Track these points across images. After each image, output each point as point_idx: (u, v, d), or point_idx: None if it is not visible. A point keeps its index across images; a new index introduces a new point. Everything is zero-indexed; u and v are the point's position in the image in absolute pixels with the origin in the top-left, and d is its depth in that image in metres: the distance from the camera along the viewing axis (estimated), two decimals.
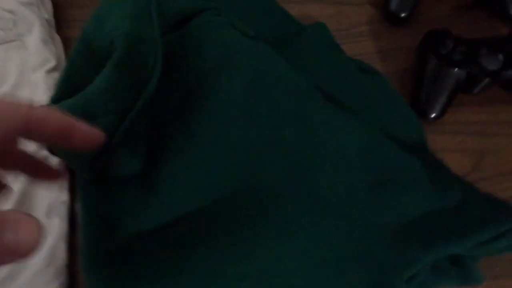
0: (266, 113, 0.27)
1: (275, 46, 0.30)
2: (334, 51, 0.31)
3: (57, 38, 0.37)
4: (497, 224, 0.23)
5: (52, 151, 0.28)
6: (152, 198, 0.27)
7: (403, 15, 0.37)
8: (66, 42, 0.37)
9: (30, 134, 0.18)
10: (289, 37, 0.31)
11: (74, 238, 0.32)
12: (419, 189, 0.25)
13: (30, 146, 0.31)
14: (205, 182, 0.26)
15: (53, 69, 0.34)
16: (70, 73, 0.27)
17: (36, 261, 0.29)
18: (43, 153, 0.30)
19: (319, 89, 0.28)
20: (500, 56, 0.32)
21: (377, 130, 0.27)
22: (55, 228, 0.30)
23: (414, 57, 0.37)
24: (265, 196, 0.25)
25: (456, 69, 0.32)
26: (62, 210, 0.31)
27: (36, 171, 0.23)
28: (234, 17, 0.28)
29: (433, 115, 0.34)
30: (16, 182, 0.31)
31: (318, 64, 0.30)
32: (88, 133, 0.20)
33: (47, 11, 0.37)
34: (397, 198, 0.25)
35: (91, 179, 0.28)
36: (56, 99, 0.28)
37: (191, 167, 0.27)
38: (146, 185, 0.27)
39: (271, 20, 0.32)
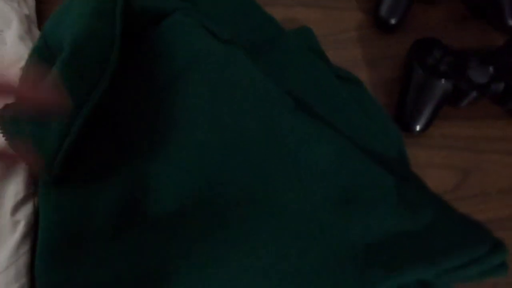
0: (231, 120, 0.26)
1: (252, 50, 0.29)
2: (311, 57, 0.30)
3: (38, 34, 0.36)
4: (469, 249, 0.22)
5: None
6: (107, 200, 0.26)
7: (393, 21, 0.36)
8: None
9: None
10: (267, 42, 0.30)
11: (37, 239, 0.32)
12: (387, 207, 0.24)
13: None
14: (166, 189, 0.26)
15: None
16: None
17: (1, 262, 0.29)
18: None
19: (291, 96, 0.27)
20: (490, 69, 0.31)
21: (350, 142, 0.26)
22: (19, 228, 0.30)
23: (402, 67, 0.36)
24: (226, 206, 0.24)
25: (443, 80, 0.31)
26: (28, 209, 0.31)
27: None
28: (207, 18, 0.27)
29: (417, 128, 0.32)
30: None
31: (293, 70, 0.29)
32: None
33: (28, 7, 0.36)
34: (362, 215, 0.24)
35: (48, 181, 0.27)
36: None
37: (153, 172, 0.26)
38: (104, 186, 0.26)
39: (250, 23, 0.31)
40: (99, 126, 0.26)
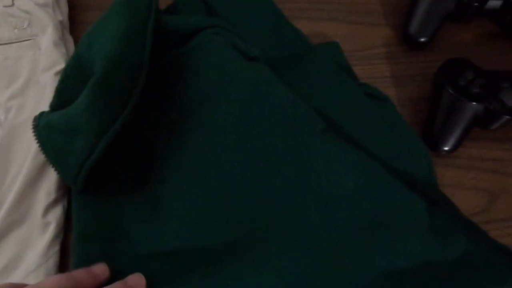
0: (258, 143, 0.26)
1: (280, 65, 0.29)
2: (340, 74, 0.30)
3: (70, 40, 0.37)
4: (497, 284, 0.21)
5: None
6: (139, 227, 0.26)
7: (422, 39, 0.36)
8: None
9: None
10: (296, 57, 0.30)
11: (68, 240, 0.33)
12: (417, 233, 0.24)
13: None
14: (192, 211, 0.26)
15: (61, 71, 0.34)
16: (64, 86, 0.28)
17: (28, 262, 0.29)
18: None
19: (319, 115, 0.27)
20: None
21: (379, 164, 0.25)
22: (50, 229, 0.30)
23: (430, 86, 0.35)
24: (250, 229, 0.24)
25: (474, 103, 0.31)
26: (58, 210, 0.31)
27: None
28: (235, 36, 0.28)
29: (446, 148, 0.32)
30: (15, 182, 0.32)
31: (321, 87, 0.29)
32: None
33: (62, 13, 0.37)
34: (391, 243, 0.24)
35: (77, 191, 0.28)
36: (53, 107, 0.28)
37: (179, 194, 0.26)
38: (140, 210, 0.27)
39: (279, 37, 0.31)
40: (125, 145, 0.27)
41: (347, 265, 0.23)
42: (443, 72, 0.33)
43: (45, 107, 0.33)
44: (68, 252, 0.32)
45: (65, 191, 0.32)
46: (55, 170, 0.27)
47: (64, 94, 0.26)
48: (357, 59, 0.36)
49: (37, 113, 0.34)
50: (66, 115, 0.24)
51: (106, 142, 0.24)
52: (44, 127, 0.26)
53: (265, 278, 0.23)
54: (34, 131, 0.27)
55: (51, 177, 0.32)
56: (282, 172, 0.25)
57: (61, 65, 0.34)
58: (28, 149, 0.33)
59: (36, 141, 0.27)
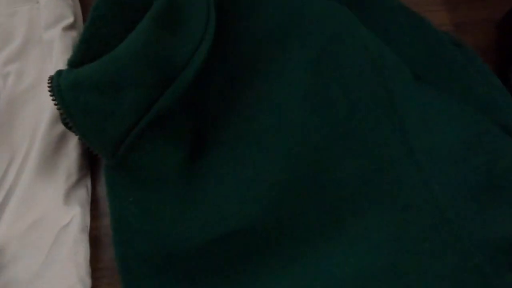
0: (338, 97, 0.22)
1: (350, 6, 0.24)
2: (418, 17, 0.26)
3: None
4: None
5: (70, 127, 0.23)
6: (190, 207, 0.22)
7: None
8: None
9: None
10: None
11: (97, 229, 0.28)
12: None
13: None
14: (252, 191, 0.22)
15: (71, 26, 0.28)
16: (93, 31, 0.21)
17: (57, 258, 0.25)
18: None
19: (406, 64, 0.23)
20: None
21: (482, 116, 0.22)
22: (76, 218, 0.25)
23: (496, 32, 0.32)
24: (335, 200, 0.21)
25: None
26: (82, 195, 0.26)
27: None
28: None
29: None
30: (25, 164, 0.26)
31: (398, 31, 0.25)
32: None
33: None
34: (509, 205, 0.20)
35: (114, 165, 0.22)
36: (74, 63, 0.22)
37: (237, 169, 0.22)
38: (186, 187, 0.22)
39: None
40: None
41: (460, 236, 0.20)
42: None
43: (52, 70, 0.27)
44: (99, 243, 0.27)
45: (88, 169, 0.27)
46: (86, 140, 0.21)
47: (94, 41, 0.20)
48: (413, 6, 0.32)
49: (42, 77, 0.29)
50: (106, 66, 0.19)
51: (174, 93, 0.19)
52: (69, 87, 0.20)
53: (358, 258, 0.20)
54: (53, 95, 0.21)
55: (70, 154, 0.26)
56: (371, 129, 0.21)
57: (70, 19, 0.28)
58: (35, 122, 0.27)
59: (57, 106, 0.21)
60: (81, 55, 0.21)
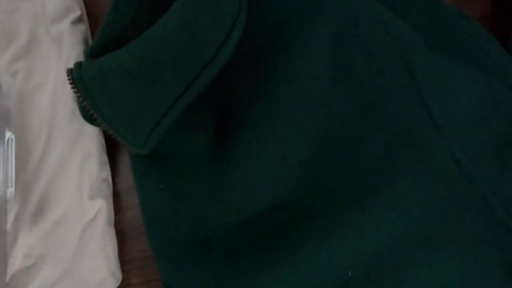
0: (360, 69, 0.22)
1: None
2: None
3: None
4: None
5: (93, 119, 0.22)
6: (223, 189, 0.22)
7: None
8: None
9: None
10: None
11: (121, 221, 0.27)
12: None
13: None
14: (284, 168, 0.22)
15: (78, 19, 0.27)
16: (116, 17, 0.21)
17: (86, 253, 0.24)
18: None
19: (418, 35, 0.23)
20: None
21: (494, 80, 0.23)
22: (101, 212, 0.25)
23: (491, 5, 0.33)
24: (366, 172, 0.21)
25: None
26: (105, 189, 0.26)
27: None
28: None
29: None
30: (44, 163, 0.26)
31: (410, 6, 0.25)
32: None
33: None
34: None
35: (141, 155, 0.22)
36: (94, 53, 0.22)
37: (267, 148, 0.22)
38: (216, 170, 0.22)
39: None
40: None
41: (483, 194, 0.20)
42: None
43: (64, 64, 0.27)
44: (125, 236, 0.27)
45: (107, 163, 0.27)
46: (115, 131, 0.21)
47: (118, 27, 0.20)
48: None
49: (51, 73, 0.28)
50: (138, 51, 0.18)
51: (210, 74, 0.18)
52: (94, 77, 0.20)
53: (391, 224, 0.20)
54: (75, 87, 0.21)
55: (90, 149, 0.26)
56: (394, 99, 0.22)
57: (77, 12, 0.27)
58: (50, 118, 0.26)
59: (80, 98, 0.21)
60: (103, 44, 0.21)
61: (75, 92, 0.21)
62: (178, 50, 0.18)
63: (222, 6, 0.18)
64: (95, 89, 0.20)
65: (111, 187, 0.27)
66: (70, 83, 0.21)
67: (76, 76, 0.21)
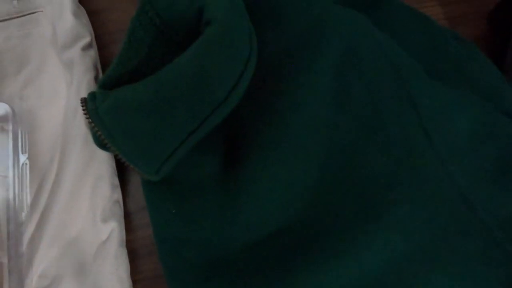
0: (361, 96, 0.23)
1: (359, 9, 0.25)
2: (421, 15, 0.27)
3: (83, 10, 0.31)
4: None
5: (107, 148, 0.23)
6: (232, 212, 0.23)
7: None
8: (90, 16, 0.32)
9: None
10: (370, 2, 0.27)
11: (133, 241, 0.28)
12: None
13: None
14: (290, 191, 0.23)
15: (89, 45, 0.28)
16: (131, 54, 0.21)
17: (99, 274, 0.25)
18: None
19: (417, 62, 0.24)
20: None
21: (489, 106, 0.24)
22: (114, 233, 0.26)
23: (487, 24, 0.34)
24: (369, 193, 0.22)
25: None
26: (117, 211, 0.27)
27: None
28: None
29: None
30: (58, 189, 0.26)
31: (404, 31, 0.26)
32: None
33: None
34: None
35: (153, 181, 0.23)
36: (108, 85, 0.23)
37: (274, 172, 0.23)
38: (225, 194, 0.23)
39: None
40: None
41: (482, 218, 0.22)
42: (504, 8, 0.32)
43: (75, 90, 0.28)
44: (136, 255, 0.28)
45: (119, 186, 0.28)
46: (128, 161, 0.22)
47: (131, 63, 0.21)
48: (409, 3, 0.34)
49: (61, 97, 0.29)
50: (153, 88, 0.19)
51: (223, 112, 0.19)
52: (109, 110, 0.21)
53: (394, 246, 0.21)
54: (89, 117, 0.22)
55: (102, 173, 0.27)
56: (394, 125, 0.23)
57: (87, 38, 0.28)
58: (61, 143, 0.27)
59: (96, 129, 0.22)
60: (117, 77, 0.21)
61: (90, 123, 0.22)
62: (192, 91, 0.19)
63: (234, 50, 0.19)
64: (109, 121, 0.21)
65: (122, 209, 0.28)
66: (85, 113, 0.22)
67: (91, 107, 0.22)
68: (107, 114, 0.21)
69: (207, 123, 0.20)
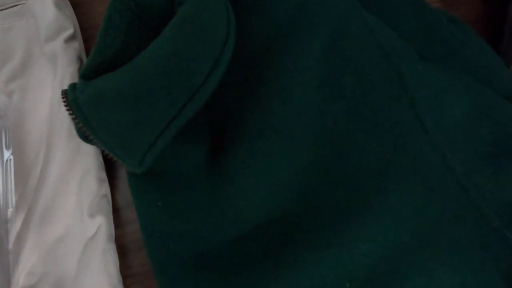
0: (350, 81, 0.22)
1: None
2: None
3: (66, 1, 0.30)
4: None
5: (89, 140, 0.22)
6: (219, 204, 0.22)
7: None
8: (76, 8, 0.31)
9: None
10: None
11: (122, 237, 0.28)
12: None
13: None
14: (279, 181, 0.22)
15: (72, 37, 0.28)
16: (108, 42, 0.21)
17: (87, 270, 0.25)
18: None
19: (410, 45, 0.24)
20: None
21: (485, 88, 0.23)
22: (102, 228, 0.25)
23: (483, 5, 0.33)
24: (362, 181, 0.21)
25: None
26: (104, 206, 0.26)
27: None
28: None
29: None
30: (44, 183, 0.26)
31: (397, 13, 0.25)
32: None
33: None
34: None
35: (138, 173, 0.23)
36: (88, 75, 0.22)
37: (261, 162, 0.22)
38: (211, 185, 0.22)
39: None
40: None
41: (477, 203, 0.21)
42: None
43: (59, 83, 0.27)
44: (127, 250, 0.28)
45: (106, 180, 0.27)
46: (110, 152, 0.21)
47: (109, 52, 0.20)
48: None
49: (46, 91, 0.28)
50: (130, 76, 0.19)
51: (202, 97, 0.19)
52: (89, 101, 0.20)
53: (385, 234, 0.21)
54: (70, 109, 0.21)
55: (88, 167, 0.26)
56: (386, 110, 0.22)
57: (70, 30, 0.27)
58: (48, 137, 0.27)
59: (76, 120, 0.21)
60: (96, 67, 0.21)
61: (70, 114, 0.22)
62: (169, 76, 0.18)
63: (210, 32, 0.18)
64: (89, 111, 0.20)
65: (111, 203, 0.27)
66: (65, 105, 0.22)
67: (71, 98, 0.21)
68: (86, 105, 0.21)
69: (187, 109, 0.19)
